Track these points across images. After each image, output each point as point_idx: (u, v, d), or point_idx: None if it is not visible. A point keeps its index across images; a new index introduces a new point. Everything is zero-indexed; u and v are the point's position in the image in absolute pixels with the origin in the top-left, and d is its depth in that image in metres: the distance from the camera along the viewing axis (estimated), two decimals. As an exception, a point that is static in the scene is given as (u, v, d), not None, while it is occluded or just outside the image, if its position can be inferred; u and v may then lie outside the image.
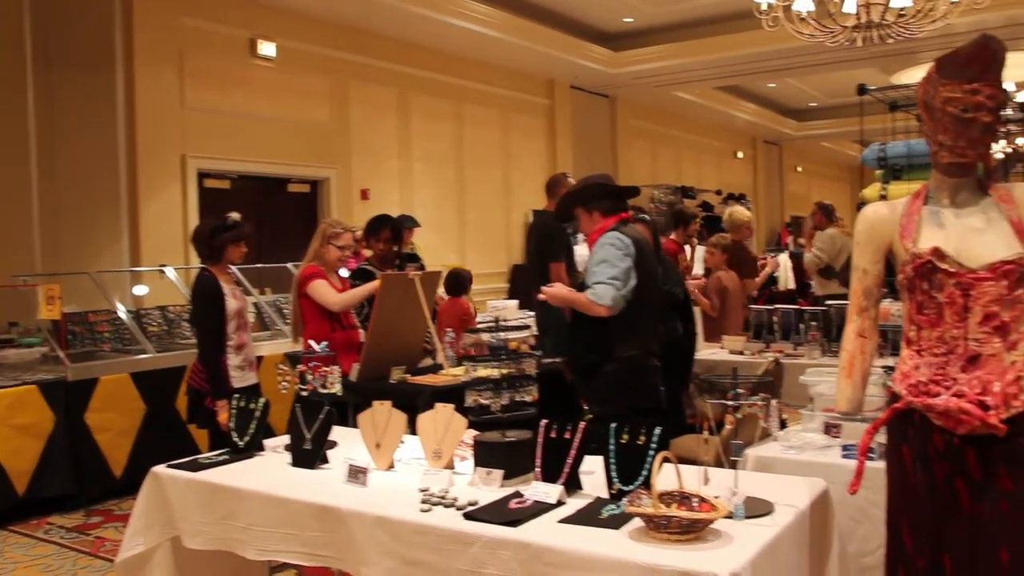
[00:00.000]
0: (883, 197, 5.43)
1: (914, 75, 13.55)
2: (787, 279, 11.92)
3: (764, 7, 7.90)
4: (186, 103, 8.20)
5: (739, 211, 7.53)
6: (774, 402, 2.52)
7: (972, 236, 2.30)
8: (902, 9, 7.63)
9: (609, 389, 3.90)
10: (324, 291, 4.78)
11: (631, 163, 14.22)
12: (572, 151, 12.95)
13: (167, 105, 8.02)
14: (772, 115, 17.58)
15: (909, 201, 2.43)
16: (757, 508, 2.44)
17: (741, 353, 5.52)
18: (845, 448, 3.13)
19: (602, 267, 3.83)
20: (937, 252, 2.27)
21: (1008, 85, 12.96)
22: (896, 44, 8.37)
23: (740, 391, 2.51)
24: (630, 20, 11.75)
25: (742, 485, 2.51)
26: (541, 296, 4.02)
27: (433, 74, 10.81)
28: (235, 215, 4.63)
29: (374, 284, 4.72)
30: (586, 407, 3.93)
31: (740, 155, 18.24)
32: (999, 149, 14.98)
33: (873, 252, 2.48)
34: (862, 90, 5.49)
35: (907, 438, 2.36)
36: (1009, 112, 12.38)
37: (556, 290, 3.97)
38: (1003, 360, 2.23)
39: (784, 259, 12.25)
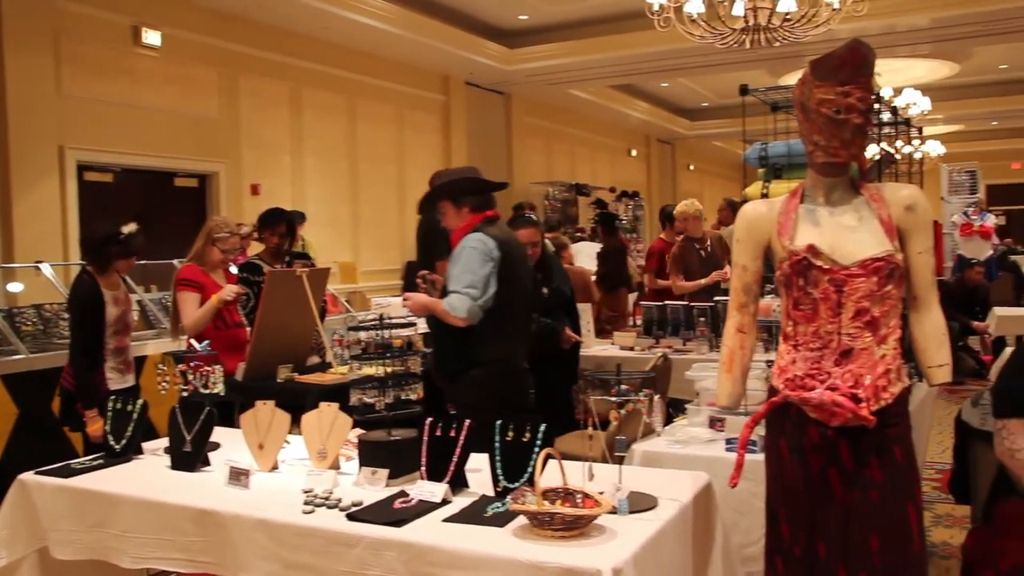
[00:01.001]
0: (765, 195, 5.55)
1: (798, 76, 13.98)
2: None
3: (656, 8, 8.04)
4: (63, 91, 7.86)
5: (685, 203, 7.00)
6: (657, 398, 2.55)
7: (845, 234, 2.36)
8: (787, 14, 7.86)
9: (475, 395, 3.73)
10: (185, 307, 4.63)
11: (526, 160, 14.28)
12: (467, 148, 12.93)
13: (42, 93, 7.66)
14: (665, 114, 17.90)
15: (786, 199, 2.49)
16: (641, 503, 2.46)
17: (631, 349, 5.58)
18: (729, 442, 3.19)
19: (461, 274, 3.65)
20: (812, 249, 2.33)
21: (886, 90, 13.49)
22: (782, 47, 8.63)
23: (624, 387, 2.53)
24: (525, 17, 11.79)
25: (626, 480, 2.52)
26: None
27: (326, 68, 10.64)
28: (130, 227, 4.41)
29: (212, 304, 4.57)
30: (453, 412, 3.80)
31: (634, 153, 18.51)
32: (877, 152, 15.55)
33: (752, 249, 2.53)
34: (744, 91, 5.61)
35: (784, 431, 2.42)
36: (887, 115, 12.85)
37: (416, 298, 3.77)
38: (874, 354, 2.30)
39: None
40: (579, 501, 2.31)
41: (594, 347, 5.72)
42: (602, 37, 11.74)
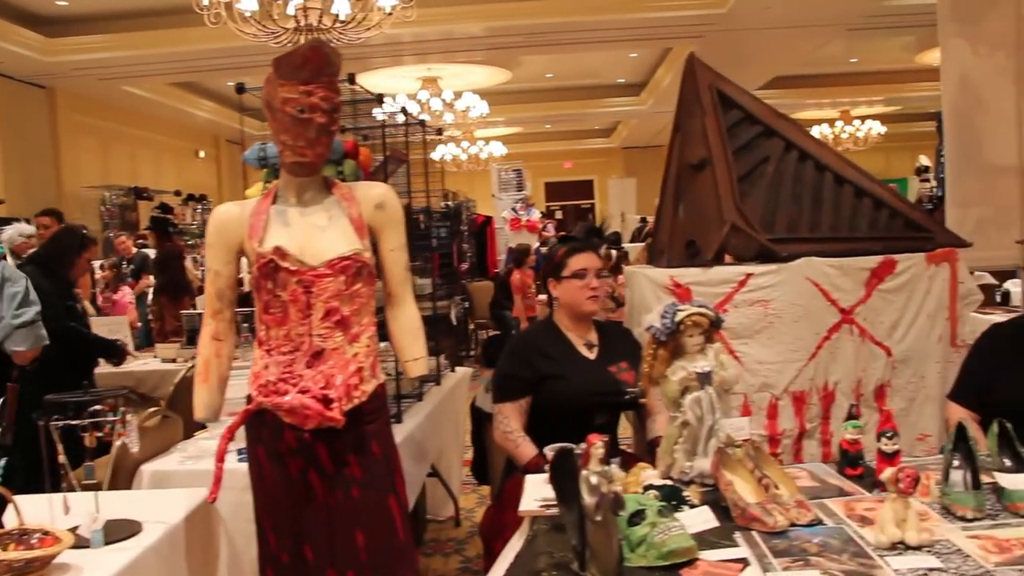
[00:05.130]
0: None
1: (365, 78, 14.25)
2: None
3: (205, 3, 7.73)
4: None
5: None
6: (131, 416, 2.37)
7: (315, 234, 2.35)
8: (339, 16, 7.92)
9: None
10: None
11: (77, 162, 13.09)
12: (2, 148, 11.56)
13: None
14: (233, 113, 17.35)
15: (259, 201, 2.43)
16: (121, 531, 2.28)
17: (174, 360, 5.29)
18: (240, 452, 3.07)
19: None
20: (279, 251, 2.29)
21: (447, 93, 14.20)
22: (347, 49, 8.69)
23: (99, 407, 2.32)
24: (64, 3, 10.78)
25: (111, 507, 2.33)
26: None
27: None
28: None
29: None
30: None
31: (202, 154, 17.77)
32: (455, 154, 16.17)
33: (224, 253, 2.44)
34: (240, 89, 5.44)
35: (262, 439, 2.37)
36: (439, 117, 13.50)
37: None
38: (345, 353, 2.31)
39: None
40: (35, 542, 2.08)
41: (133, 362, 5.35)
42: (155, 31, 11.04)
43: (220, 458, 2.33)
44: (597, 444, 1.84)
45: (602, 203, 23.45)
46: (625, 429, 3.64)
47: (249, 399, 2.37)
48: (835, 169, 3.57)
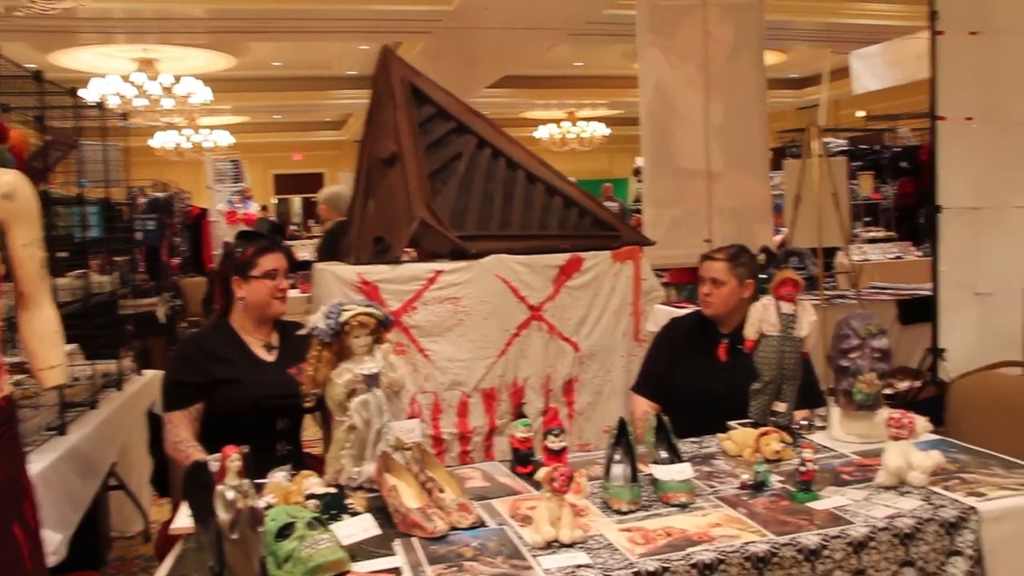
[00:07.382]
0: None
1: (73, 55, 13.15)
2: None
3: None
4: None
5: None
6: None
7: None
8: (31, -17, 7.26)
9: None
10: None
11: None
12: None
13: None
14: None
15: None
16: None
17: None
18: None
19: None
20: None
21: (165, 77, 13.39)
22: (42, 21, 7.98)
23: None
24: None
25: None
26: None
27: None
28: None
29: None
30: None
31: None
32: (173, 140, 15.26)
33: None
34: None
35: None
36: (156, 102, 12.72)
37: None
38: None
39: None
40: None
41: None
42: None
43: None
44: (233, 457, 1.71)
45: (334, 196, 23.00)
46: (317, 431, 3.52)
47: None
48: (527, 167, 3.61)
